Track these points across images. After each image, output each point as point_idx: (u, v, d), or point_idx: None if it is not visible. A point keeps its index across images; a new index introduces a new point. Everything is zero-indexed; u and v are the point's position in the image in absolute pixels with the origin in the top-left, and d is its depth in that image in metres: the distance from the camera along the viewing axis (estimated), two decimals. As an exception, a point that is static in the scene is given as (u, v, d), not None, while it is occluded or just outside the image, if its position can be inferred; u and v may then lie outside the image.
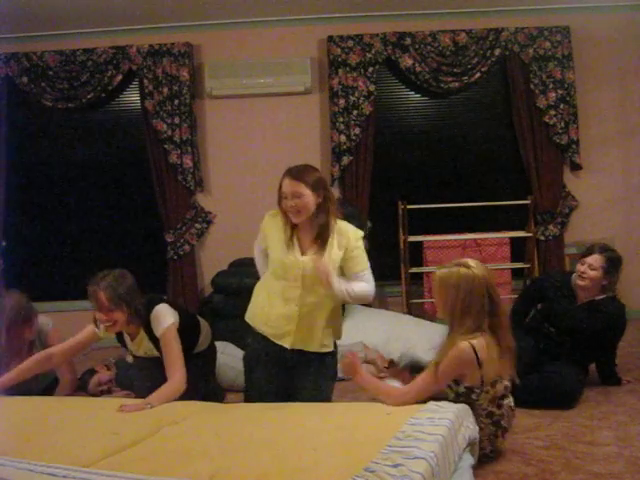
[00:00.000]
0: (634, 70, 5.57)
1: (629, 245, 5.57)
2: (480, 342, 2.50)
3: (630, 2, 5.43)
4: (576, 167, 5.55)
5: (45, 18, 5.26)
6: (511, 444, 2.71)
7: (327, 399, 2.85)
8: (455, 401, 2.51)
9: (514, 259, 5.47)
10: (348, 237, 2.76)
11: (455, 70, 5.49)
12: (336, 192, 5.57)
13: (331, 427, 2.24)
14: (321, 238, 2.72)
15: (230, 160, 5.69)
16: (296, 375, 2.84)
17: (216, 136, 5.71)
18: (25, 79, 5.54)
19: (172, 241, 5.59)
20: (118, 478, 1.76)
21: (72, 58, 5.53)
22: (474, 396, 2.52)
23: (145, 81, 5.53)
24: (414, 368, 3.25)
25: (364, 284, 2.79)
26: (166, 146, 5.52)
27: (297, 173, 2.70)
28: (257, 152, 5.64)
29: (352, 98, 5.47)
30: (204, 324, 3.25)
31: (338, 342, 4.35)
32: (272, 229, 2.81)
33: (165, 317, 2.84)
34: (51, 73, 5.54)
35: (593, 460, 2.54)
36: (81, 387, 3.65)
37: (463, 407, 2.45)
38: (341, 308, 2.88)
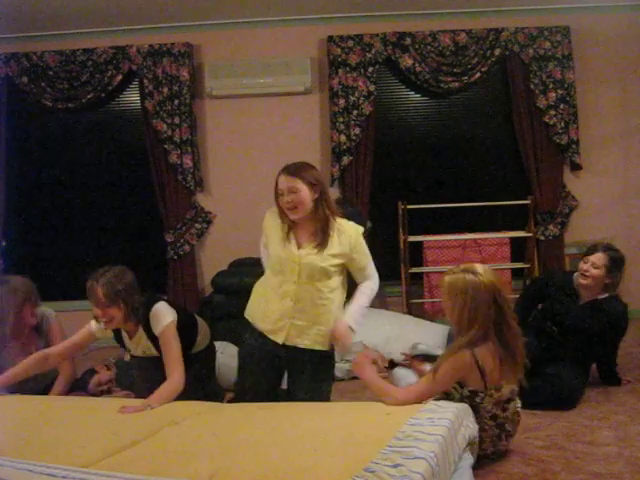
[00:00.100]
0: (634, 70, 5.57)
1: (629, 245, 5.56)
2: (483, 351, 2.49)
3: (630, 2, 5.43)
4: (576, 167, 5.55)
5: (45, 18, 5.27)
6: (511, 444, 2.71)
7: (324, 401, 2.84)
8: (460, 402, 2.52)
9: (514, 259, 5.48)
10: (350, 235, 2.76)
11: (455, 70, 5.49)
12: (336, 192, 5.58)
13: (331, 427, 2.24)
14: (320, 234, 2.72)
15: (230, 160, 5.69)
16: (291, 376, 2.84)
17: (216, 136, 5.71)
18: (25, 79, 5.55)
19: (172, 241, 5.59)
20: (117, 478, 1.76)
21: (72, 58, 5.53)
22: (478, 399, 2.53)
23: (145, 81, 5.53)
24: (427, 358, 3.22)
25: (367, 288, 2.83)
26: (166, 146, 5.52)
27: (293, 169, 2.72)
28: (257, 152, 5.64)
29: (352, 98, 5.47)
30: (202, 324, 3.25)
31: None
32: (271, 226, 2.83)
33: (164, 315, 2.84)
34: (51, 73, 5.54)
35: (593, 460, 2.54)
36: (81, 387, 3.65)
37: (463, 407, 2.45)
38: (341, 310, 2.84)
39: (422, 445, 1.94)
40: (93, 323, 2.95)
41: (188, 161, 5.53)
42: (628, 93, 5.61)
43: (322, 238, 2.72)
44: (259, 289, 2.90)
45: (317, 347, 2.76)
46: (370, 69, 5.48)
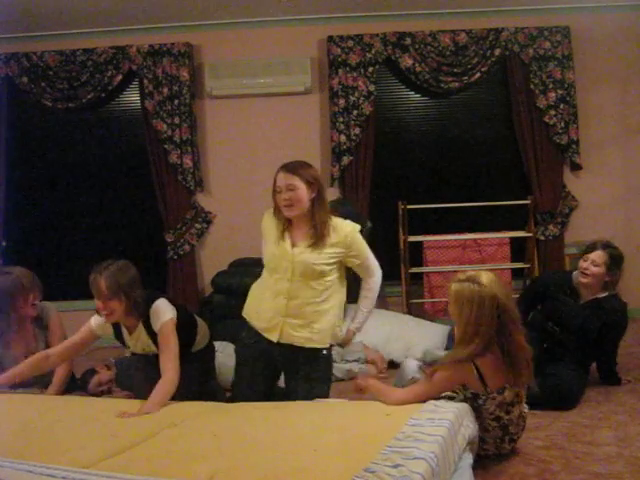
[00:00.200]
0: (634, 70, 5.57)
1: (629, 245, 5.56)
2: (485, 362, 2.49)
3: (630, 2, 5.43)
4: (576, 167, 5.55)
5: (45, 18, 5.27)
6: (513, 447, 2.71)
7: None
8: (463, 402, 2.53)
9: (514, 259, 5.48)
10: (345, 233, 2.76)
11: (455, 70, 5.49)
12: (336, 192, 5.58)
13: (331, 427, 2.24)
14: (315, 233, 2.73)
15: (230, 160, 5.69)
16: (287, 376, 2.83)
17: (216, 136, 5.71)
18: (25, 79, 5.55)
19: (172, 241, 5.59)
20: (117, 479, 1.76)
21: (72, 58, 5.53)
22: (480, 401, 2.53)
23: (145, 81, 5.53)
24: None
25: (370, 290, 2.86)
26: (166, 146, 5.52)
27: (292, 167, 2.74)
28: (257, 152, 5.64)
29: (352, 98, 5.47)
30: (202, 324, 3.25)
31: (337, 341, 4.36)
32: (268, 226, 2.84)
33: (164, 312, 2.85)
34: (51, 73, 5.54)
35: (593, 460, 2.54)
36: (81, 387, 3.65)
37: (463, 407, 2.46)
38: (340, 309, 2.85)
39: (422, 446, 1.94)
40: (93, 320, 2.96)
41: (188, 161, 5.53)
42: (628, 93, 5.61)
43: (317, 237, 2.72)
44: (255, 288, 2.91)
45: (311, 345, 2.75)
46: (370, 69, 5.48)
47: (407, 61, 5.47)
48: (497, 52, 5.45)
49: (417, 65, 5.46)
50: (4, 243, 5.72)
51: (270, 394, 2.87)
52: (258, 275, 2.97)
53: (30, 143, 5.84)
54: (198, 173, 5.61)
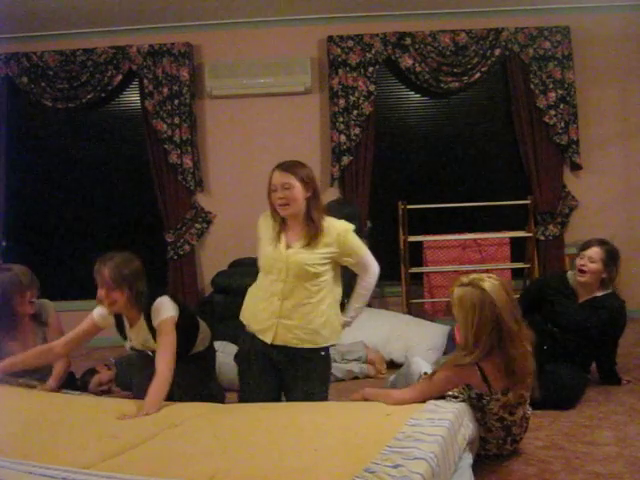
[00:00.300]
0: (634, 70, 5.57)
1: (629, 245, 5.57)
2: (488, 365, 2.49)
3: (630, 2, 5.43)
4: (576, 167, 5.55)
5: (45, 18, 5.26)
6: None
7: (322, 401, 2.83)
8: (468, 402, 2.53)
9: (514, 259, 5.48)
10: (338, 233, 2.76)
11: (455, 70, 5.49)
12: (336, 192, 5.58)
13: (331, 427, 2.24)
14: (309, 233, 2.73)
15: (230, 160, 5.69)
16: (285, 379, 2.82)
17: (216, 136, 5.71)
18: (25, 79, 5.54)
19: (172, 241, 5.59)
20: (118, 479, 1.75)
21: (72, 58, 5.53)
22: (484, 402, 2.53)
23: (145, 81, 5.53)
24: None
25: (364, 288, 2.86)
26: (166, 146, 5.52)
27: (288, 166, 2.75)
28: (257, 152, 5.64)
29: (352, 98, 5.47)
30: (204, 326, 3.24)
31: (338, 341, 4.36)
32: (264, 228, 2.85)
33: (166, 309, 2.85)
34: (51, 73, 5.54)
35: (593, 460, 2.54)
36: (82, 387, 3.66)
37: (463, 407, 2.46)
38: (337, 308, 2.84)
39: (422, 446, 1.94)
40: (95, 312, 2.97)
41: (188, 161, 5.53)
42: (628, 93, 5.61)
43: (311, 237, 2.72)
44: (251, 291, 2.91)
45: (306, 345, 2.74)
46: (370, 69, 5.48)
47: (407, 61, 5.47)
48: (497, 52, 5.45)
49: (417, 65, 5.46)
50: (4, 243, 5.72)
51: (278, 395, 2.85)
52: (258, 275, 2.98)
53: (30, 143, 5.83)
54: (198, 173, 5.61)
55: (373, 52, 5.47)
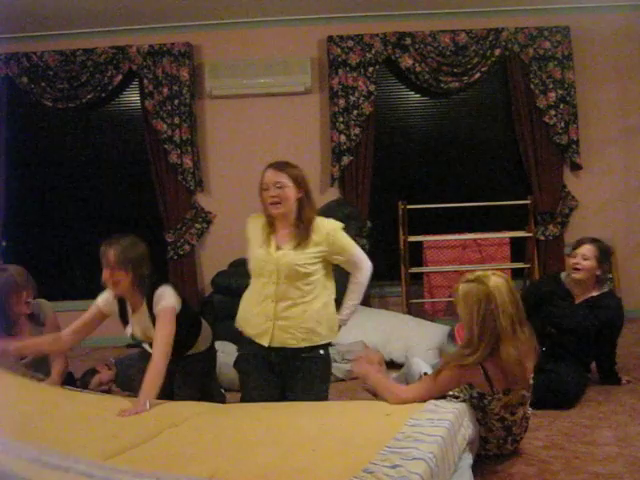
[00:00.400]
0: (634, 70, 5.57)
1: (629, 245, 5.59)
2: (492, 362, 2.49)
3: (630, 2, 5.43)
4: (576, 167, 5.55)
5: (45, 18, 5.27)
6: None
7: (322, 401, 2.82)
8: (469, 401, 2.53)
9: (514, 259, 5.48)
10: (327, 232, 2.77)
11: (455, 70, 5.49)
12: (336, 192, 5.58)
13: (330, 427, 2.24)
14: (299, 234, 2.74)
15: (230, 160, 5.69)
16: (286, 380, 2.82)
17: (216, 136, 5.71)
18: (25, 79, 5.55)
19: (172, 241, 5.60)
20: (139, 477, 1.72)
21: (72, 58, 5.53)
22: (485, 401, 2.53)
23: (145, 81, 5.53)
24: None
25: (357, 284, 2.86)
26: (166, 146, 5.52)
27: (281, 165, 2.77)
28: (257, 152, 5.63)
29: (352, 98, 5.47)
30: (206, 325, 3.24)
31: (338, 340, 4.36)
32: (253, 230, 2.85)
33: (169, 297, 2.85)
34: (51, 73, 5.54)
35: (593, 460, 2.54)
36: (82, 387, 3.65)
37: (463, 407, 2.46)
38: (332, 306, 2.84)
39: (421, 446, 1.94)
40: (99, 299, 2.97)
41: (188, 161, 5.53)
42: (628, 93, 5.61)
43: (301, 238, 2.73)
44: (245, 295, 2.90)
45: (303, 344, 2.74)
46: (370, 69, 5.48)
47: (407, 61, 5.47)
48: (497, 52, 5.45)
49: (417, 65, 5.46)
50: (4, 243, 5.73)
51: (281, 399, 2.84)
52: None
53: (30, 143, 5.84)
54: (198, 173, 5.62)
55: (373, 52, 5.47)
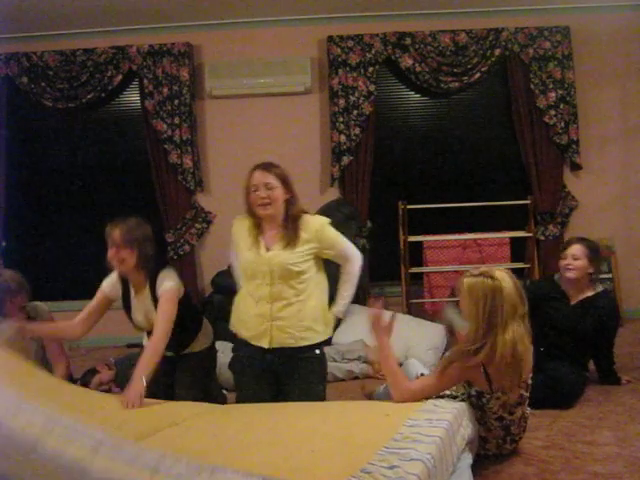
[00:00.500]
0: (634, 70, 5.57)
1: (629, 245, 5.58)
2: (491, 361, 2.48)
3: (630, 2, 5.43)
4: (576, 167, 5.55)
5: (45, 18, 5.27)
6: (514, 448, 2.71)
7: (320, 401, 2.82)
8: (468, 400, 2.54)
9: (514, 259, 5.47)
10: (315, 228, 2.78)
11: (455, 70, 5.49)
12: (336, 192, 5.58)
13: (329, 428, 2.24)
14: (288, 234, 2.75)
15: (230, 160, 5.69)
16: (283, 381, 2.82)
17: (216, 136, 5.71)
18: (25, 79, 5.55)
19: (172, 241, 5.60)
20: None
21: (72, 58, 5.53)
22: (484, 400, 2.53)
23: (145, 81, 5.53)
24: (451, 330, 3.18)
25: (349, 274, 2.86)
26: (166, 146, 5.53)
27: (269, 166, 2.80)
28: (257, 152, 5.61)
29: (352, 98, 5.47)
30: (207, 323, 3.24)
31: (338, 340, 4.35)
32: (240, 232, 2.87)
33: (172, 279, 2.88)
34: (51, 73, 5.54)
35: (593, 460, 2.54)
36: (82, 387, 3.65)
37: (462, 407, 2.45)
38: (325, 301, 2.84)
39: (419, 447, 1.94)
40: (104, 284, 3.00)
41: (188, 161, 5.53)
42: (628, 93, 5.61)
43: (290, 238, 2.74)
44: (238, 299, 2.91)
45: (301, 343, 2.75)
46: (370, 69, 5.48)
47: (407, 61, 5.47)
48: (497, 52, 5.45)
49: (417, 65, 5.46)
50: (4, 243, 5.72)
51: (276, 400, 2.86)
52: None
53: (30, 143, 5.84)
54: (198, 173, 5.62)
55: (373, 52, 5.47)
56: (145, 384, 2.56)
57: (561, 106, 5.44)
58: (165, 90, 5.51)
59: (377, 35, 5.47)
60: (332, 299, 2.91)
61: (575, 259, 3.53)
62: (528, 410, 2.65)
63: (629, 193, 5.64)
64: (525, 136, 5.50)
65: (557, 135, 5.45)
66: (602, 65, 5.58)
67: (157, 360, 2.69)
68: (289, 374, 2.79)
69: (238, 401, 2.92)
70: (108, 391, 3.78)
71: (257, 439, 2.14)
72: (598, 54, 5.56)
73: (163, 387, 2.98)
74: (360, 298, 5.38)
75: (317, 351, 2.81)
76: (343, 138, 5.47)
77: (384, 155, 5.69)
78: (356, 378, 4.11)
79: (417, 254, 5.47)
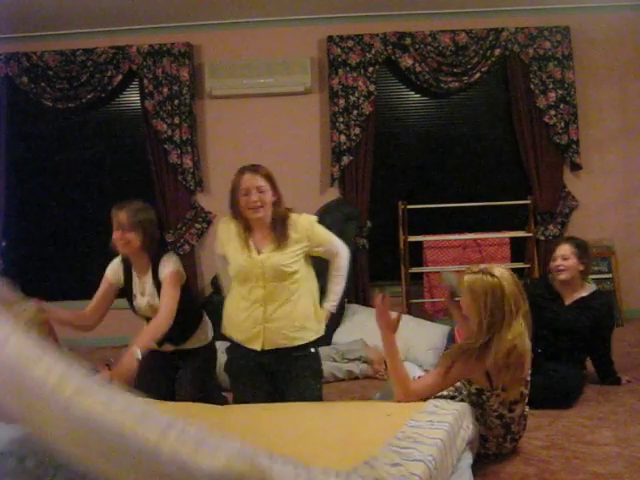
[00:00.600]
0: (634, 70, 5.57)
1: (629, 245, 5.58)
2: (492, 358, 2.48)
3: (630, 2, 5.43)
4: (576, 167, 5.55)
5: (45, 18, 5.27)
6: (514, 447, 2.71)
7: (317, 400, 2.83)
8: (468, 397, 2.54)
9: (514, 259, 5.47)
10: (304, 227, 2.79)
11: (455, 70, 5.49)
12: (336, 192, 5.58)
13: (331, 427, 2.24)
14: (277, 235, 2.76)
15: (230, 160, 5.65)
16: (279, 381, 2.82)
17: (216, 136, 5.71)
18: (25, 79, 5.55)
19: (172, 241, 5.60)
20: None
21: (72, 58, 5.53)
22: (484, 397, 2.53)
23: (145, 81, 5.53)
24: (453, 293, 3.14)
25: (338, 269, 2.89)
26: (166, 146, 5.53)
27: (259, 169, 2.79)
28: (257, 152, 5.63)
29: (352, 98, 5.47)
30: (207, 319, 3.24)
31: (338, 340, 4.35)
32: (227, 236, 2.85)
33: (175, 264, 2.90)
34: (51, 73, 5.54)
35: (593, 460, 2.54)
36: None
37: (463, 408, 2.45)
38: (315, 299, 2.85)
39: (422, 448, 1.94)
40: (107, 271, 3.02)
41: (188, 161, 5.53)
42: (628, 93, 5.61)
43: (280, 239, 2.75)
44: (229, 302, 2.89)
45: (295, 343, 2.75)
46: (370, 69, 5.48)
47: (407, 61, 5.47)
48: (497, 52, 5.46)
49: (417, 65, 5.47)
50: (4, 243, 5.73)
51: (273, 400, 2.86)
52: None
53: (30, 143, 5.83)
54: (198, 173, 5.62)
55: (373, 52, 5.47)
56: (139, 358, 2.56)
57: (561, 106, 5.44)
58: (165, 90, 5.51)
59: (377, 35, 5.47)
60: (322, 293, 2.93)
61: (564, 259, 3.57)
62: (527, 409, 2.65)
63: (629, 193, 5.64)
64: (525, 136, 5.50)
65: (557, 135, 5.45)
66: (602, 65, 5.58)
67: (158, 337, 2.71)
68: (284, 374, 2.79)
69: (235, 402, 2.92)
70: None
71: (257, 439, 2.13)
72: (598, 54, 5.57)
73: (163, 386, 2.98)
74: (360, 298, 5.40)
75: (312, 349, 2.82)
76: (343, 138, 5.47)
77: (384, 155, 5.69)
78: (356, 378, 4.11)
79: (417, 254, 5.47)
